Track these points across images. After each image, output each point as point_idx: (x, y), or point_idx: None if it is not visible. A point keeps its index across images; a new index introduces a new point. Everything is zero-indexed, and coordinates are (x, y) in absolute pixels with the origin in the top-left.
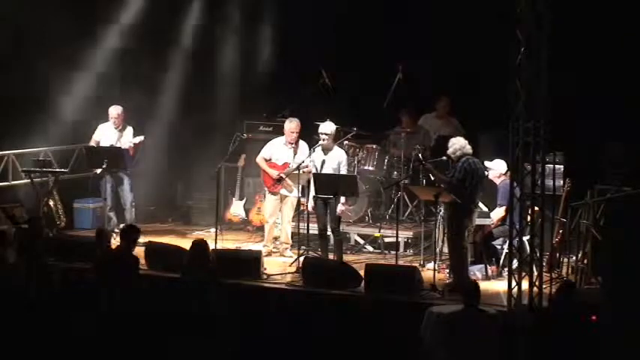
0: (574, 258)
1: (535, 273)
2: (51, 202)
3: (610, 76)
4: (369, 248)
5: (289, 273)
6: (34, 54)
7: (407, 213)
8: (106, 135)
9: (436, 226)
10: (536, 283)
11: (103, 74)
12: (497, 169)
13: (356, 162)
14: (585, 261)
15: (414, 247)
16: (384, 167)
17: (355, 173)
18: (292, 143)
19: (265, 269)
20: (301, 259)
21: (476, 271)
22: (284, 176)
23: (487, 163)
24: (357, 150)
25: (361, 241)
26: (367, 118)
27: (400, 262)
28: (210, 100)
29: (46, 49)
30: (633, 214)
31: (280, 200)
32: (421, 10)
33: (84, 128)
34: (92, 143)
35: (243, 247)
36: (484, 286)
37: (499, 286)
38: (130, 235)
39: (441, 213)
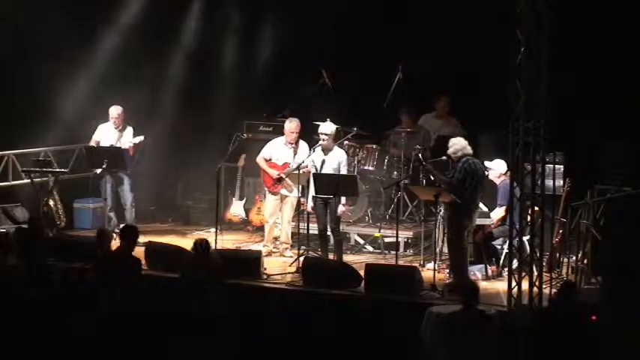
0: (574, 258)
1: (535, 273)
2: (51, 202)
3: (610, 76)
4: (369, 248)
5: (289, 273)
6: (34, 54)
7: (407, 213)
8: (106, 135)
9: (436, 226)
10: (536, 283)
11: (103, 74)
12: (497, 169)
13: (356, 162)
14: (585, 261)
15: (414, 247)
16: (384, 167)
17: (355, 173)
18: (292, 143)
19: (265, 269)
20: (301, 259)
21: (476, 271)
22: (284, 176)
23: (487, 163)
24: (357, 150)
25: (361, 241)
26: (367, 118)
27: (400, 262)
28: (210, 100)
29: (46, 49)
30: (633, 214)
31: (280, 200)
32: (421, 10)
33: (84, 128)
34: (92, 143)
35: (243, 247)
36: (484, 286)
37: (499, 286)
38: (130, 235)
39: (441, 213)
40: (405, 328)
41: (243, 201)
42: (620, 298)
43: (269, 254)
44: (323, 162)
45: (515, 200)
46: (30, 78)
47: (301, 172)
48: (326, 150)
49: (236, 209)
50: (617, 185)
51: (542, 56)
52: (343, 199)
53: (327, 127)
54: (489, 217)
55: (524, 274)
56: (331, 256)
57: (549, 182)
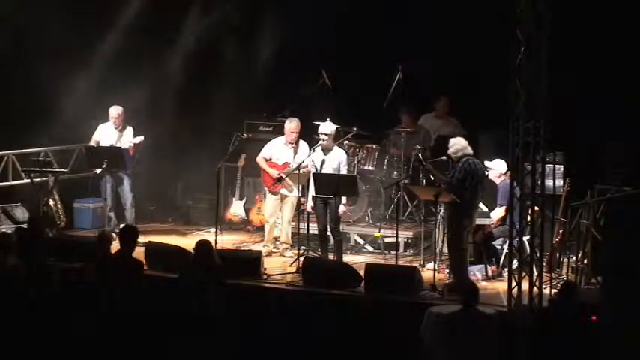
0: (574, 258)
1: (535, 273)
2: (51, 202)
3: (610, 76)
4: (369, 248)
5: (289, 273)
6: (34, 54)
7: (407, 213)
8: (106, 135)
9: (436, 226)
10: (536, 283)
11: (103, 74)
12: (497, 169)
13: (356, 162)
14: (585, 261)
15: (414, 247)
16: (384, 167)
17: (355, 173)
18: (292, 143)
19: (265, 269)
20: (301, 259)
21: (476, 271)
22: (284, 176)
23: (487, 163)
24: (357, 150)
25: (361, 241)
26: (367, 118)
27: (400, 262)
28: (210, 100)
29: (46, 49)
30: (633, 214)
31: (280, 200)
32: (421, 10)
33: (84, 128)
34: (92, 143)
35: (243, 247)
36: (484, 286)
37: (499, 286)
38: (130, 236)
39: (441, 213)
40: (405, 328)
41: (243, 201)
42: (620, 298)
43: (269, 254)
44: (323, 162)
45: (515, 200)
46: (30, 78)
47: (301, 172)
48: (326, 150)
49: (236, 209)
50: (617, 185)
51: (542, 56)
52: (344, 199)
53: (327, 127)
54: (489, 217)
55: (524, 274)
56: (331, 256)
57: (549, 182)
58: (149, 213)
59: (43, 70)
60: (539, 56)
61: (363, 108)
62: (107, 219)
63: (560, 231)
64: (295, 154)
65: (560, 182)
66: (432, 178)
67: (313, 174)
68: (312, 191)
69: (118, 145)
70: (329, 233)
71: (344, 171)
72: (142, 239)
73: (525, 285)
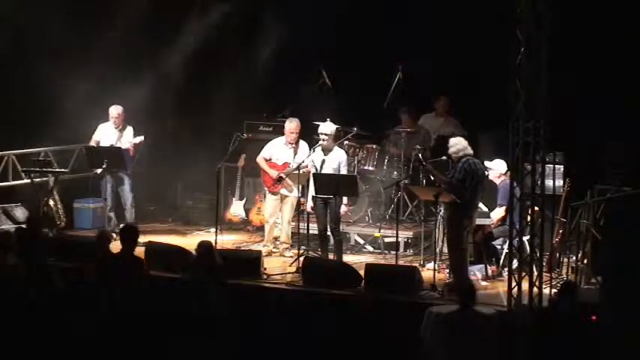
0: (574, 258)
1: (535, 273)
2: (51, 202)
3: (610, 76)
4: (369, 248)
5: (289, 273)
6: (34, 54)
7: (407, 213)
8: (106, 135)
9: (436, 226)
10: (536, 283)
11: (103, 74)
12: (497, 169)
13: (356, 162)
14: (585, 261)
15: (414, 247)
16: (384, 167)
17: (355, 173)
18: (292, 143)
19: (265, 269)
20: (301, 259)
21: (476, 271)
22: (284, 176)
23: (487, 163)
24: (357, 150)
25: (361, 241)
26: (367, 118)
27: (400, 262)
28: (210, 100)
29: (46, 49)
30: (633, 214)
31: (280, 200)
32: (421, 10)
33: (84, 128)
34: (92, 143)
35: (243, 247)
36: (484, 286)
37: (499, 286)
38: (130, 235)
39: (441, 213)
40: (405, 328)
41: (243, 201)
42: (620, 298)
43: (269, 254)
44: (323, 162)
45: (515, 200)
46: (30, 78)
47: (301, 172)
48: (326, 150)
49: (236, 209)
50: (617, 185)
51: (542, 56)
52: (345, 199)
53: (327, 127)
54: (489, 217)
55: (524, 274)
56: (331, 256)
57: (549, 182)
58: (149, 213)
59: (43, 70)
60: (539, 56)
61: (363, 108)
62: (107, 219)
63: (560, 231)
64: (295, 154)
65: (560, 182)
66: (432, 178)
67: (313, 174)
68: (312, 191)
69: (118, 145)
70: (329, 233)
71: (344, 171)
72: (142, 239)
73: (525, 285)
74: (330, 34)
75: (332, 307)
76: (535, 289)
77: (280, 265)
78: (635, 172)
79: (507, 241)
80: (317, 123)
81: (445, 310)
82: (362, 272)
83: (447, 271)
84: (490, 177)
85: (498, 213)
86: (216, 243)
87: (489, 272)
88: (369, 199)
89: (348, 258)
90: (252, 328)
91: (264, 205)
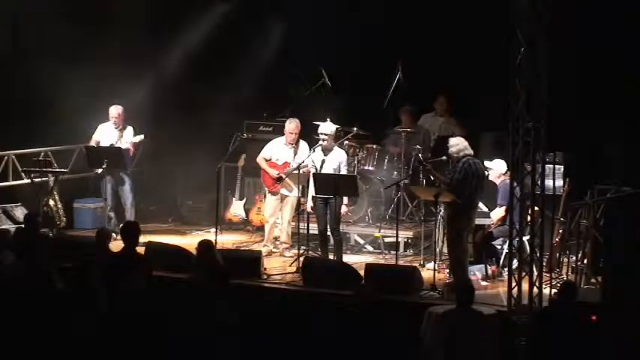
0: (574, 258)
1: (535, 273)
2: (51, 202)
3: (610, 76)
4: (369, 248)
5: (289, 273)
6: (34, 53)
7: (407, 213)
8: (106, 135)
9: (436, 226)
10: (536, 283)
11: (102, 74)
12: (497, 169)
13: (356, 162)
14: (585, 261)
15: (414, 247)
16: (384, 167)
17: (355, 173)
18: (292, 143)
19: (265, 269)
20: (301, 259)
21: (476, 271)
22: (284, 176)
23: (487, 163)
24: (357, 150)
25: (361, 241)
26: (367, 118)
27: (400, 262)
28: (210, 100)
29: (46, 48)
30: (633, 214)
31: (280, 200)
32: (421, 10)
33: (84, 128)
34: (92, 143)
35: (243, 247)
36: (484, 286)
37: (499, 286)
38: (132, 233)
39: (441, 213)
40: (405, 328)
41: (243, 201)
42: (620, 298)
43: (269, 254)
44: (323, 162)
45: (515, 200)
46: (30, 78)
47: (301, 172)
48: (326, 150)
49: (236, 209)
50: (617, 185)
51: (542, 56)
52: (345, 199)
53: (327, 127)
54: (489, 217)
55: (524, 274)
56: (331, 256)
57: (549, 182)
58: (149, 213)
59: (43, 70)
60: (539, 56)
61: (363, 108)
62: (107, 219)
63: (560, 231)
64: (295, 154)
65: (560, 182)
66: (432, 178)
67: (313, 174)
68: (312, 191)
69: (118, 145)
70: (329, 233)
71: (344, 171)
72: (142, 239)
73: (525, 285)
74: (330, 34)
75: (332, 307)
76: (535, 289)
77: (280, 265)
78: (635, 172)
79: (507, 241)
80: (317, 123)
81: (445, 310)
82: (362, 272)
83: (447, 271)
84: (490, 177)
85: (498, 213)
86: (216, 243)
87: (489, 272)
88: (369, 199)
89: (348, 258)
90: (252, 328)
91: (264, 205)
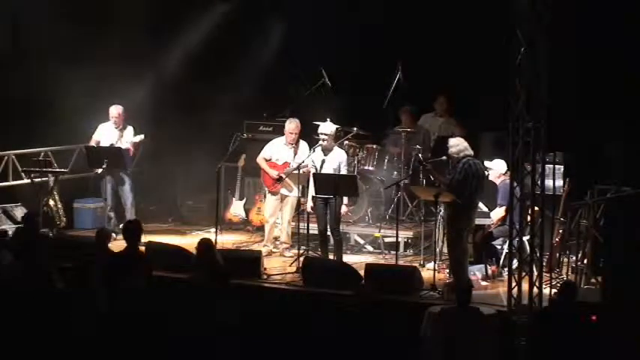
0: (574, 258)
1: (535, 273)
2: (51, 202)
3: (610, 76)
4: (369, 248)
5: (289, 273)
6: (34, 53)
7: (407, 213)
8: (106, 135)
9: (436, 226)
10: (536, 283)
11: (102, 74)
12: (497, 169)
13: (356, 162)
14: (585, 261)
15: (414, 247)
16: (384, 167)
17: (355, 173)
18: (292, 144)
19: (265, 269)
20: (301, 259)
21: (476, 271)
22: (284, 176)
23: (487, 163)
24: (357, 150)
25: (361, 241)
26: (367, 118)
27: (400, 262)
28: (210, 100)
29: (46, 48)
30: (633, 214)
31: (280, 200)
32: (421, 10)
33: (84, 128)
34: (92, 143)
35: (243, 247)
36: (484, 286)
37: (499, 286)
38: (134, 231)
39: (441, 213)
40: (405, 328)
41: (243, 201)
42: (620, 298)
43: (269, 254)
44: (323, 162)
45: (515, 200)
46: (30, 78)
47: (301, 172)
48: (326, 150)
49: (236, 209)
50: (617, 185)
51: (542, 56)
52: (346, 199)
53: (327, 127)
54: (489, 217)
55: (524, 274)
56: (331, 256)
57: (549, 182)
58: (149, 213)
59: (43, 70)
60: (539, 56)
61: (363, 108)
62: (107, 219)
63: (560, 231)
64: (295, 154)
65: (560, 182)
66: (432, 179)
67: (313, 174)
68: (312, 191)
69: (118, 145)
70: (329, 233)
71: (344, 171)
72: (142, 239)
73: (525, 285)
74: (330, 34)
75: (332, 307)
76: (535, 289)
77: (280, 265)
78: (635, 172)
79: (507, 241)
80: (317, 123)
81: (445, 310)
82: (362, 272)
83: (447, 271)
84: (490, 177)
85: (498, 213)
86: (216, 243)
87: (489, 272)
88: (369, 199)
89: (348, 258)
90: (252, 328)
91: (264, 205)
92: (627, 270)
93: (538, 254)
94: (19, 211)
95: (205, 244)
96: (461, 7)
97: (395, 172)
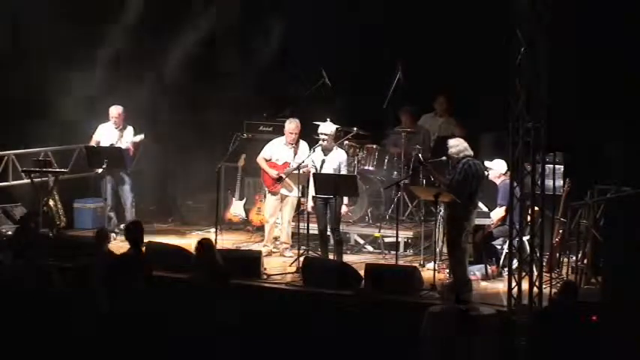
0: (574, 258)
1: (535, 273)
2: (51, 202)
3: (610, 76)
4: (369, 248)
5: (289, 273)
6: (34, 54)
7: (407, 213)
8: (106, 135)
9: (436, 226)
10: (536, 283)
11: (103, 74)
12: (497, 169)
13: (356, 162)
14: (585, 261)
15: (414, 247)
16: (384, 167)
17: (355, 173)
18: (292, 143)
19: (265, 269)
20: (301, 259)
21: (476, 271)
22: (284, 176)
23: (487, 163)
24: (357, 150)
25: (361, 241)
26: (367, 118)
27: (400, 262)
28: (210, 100)
29: (46, 48)
30: (633, 214)
31: (280, 200)
32: (421, 10)
33: (84, 128)
34: (92, 143)
35: (243, 247)
36: (484, 286)
37: (499, 286)
38: (135, 233)
39: (441, 213)
40: (405, 328)
41: (243, 201)
42: (620, 298)
43: (269, 254)
44: (323, 162)
45: (515, 200)
46: (30, 78)
47: (301, 172)
48: (326, 150)
49: (236, 209)
50: (617, 185)
51: (542, 56)
52: (346, 199)
53: (327, 128)
54: (489, 217)
55: (524, 274)
56: (331, 256)
57: (549, 182)
58: (149, 213)
59: (43, 70)
60: (539, 56)
61: (363, 108)
62: (107, 219)
63: (560, 231)
64: (295, 154)
65: (560, 182)
66: (432, 179)
67: (313, 174)
68: (312, 191)
69: (118, 145)
70: (329, 233)
71: (344, 171)
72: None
73: (525, 285)
74: (330, 34)
75: (332, 307)
76: (535, 289)
77: (280, 265)
78: (635, 172)
79: (507, 241)
80: (317, 123)
81: (445, 310)
82: (362, 272)
83: (447, 271)
84: (490, 177)
85: (498, 213)
86: (216, 243)
87: (489, 272)
88: (369, 199)
89: (348, 258)
90: (252, 328)
91: (264, 205)
92: (627, 270)
93: (538, 254)
94: (19, 211)
95: (205, 244)
96: (461, 7)
97: (395, 172)
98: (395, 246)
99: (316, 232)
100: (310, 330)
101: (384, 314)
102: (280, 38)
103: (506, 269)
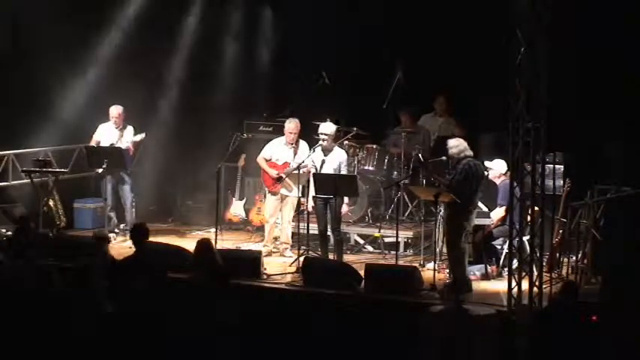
0: (574, 258)
1: (535, 273)
2: (51, 202)
3: (610, 76)
4: (369, 248)
5: (289, 273)
6: (34, 53)
7: (407, 213)
8: (106, 135)
9: (436, 226)
10: (536, 283)
11: (102, 74)
12: (497, 169)
13: (356, 162)
14: (585, 261)
15: (414, 247)
16: (384, 167)
17: (355, 173)
18: (292, 143)
19: (265, 269)
20: (301, 259)
21: (476, 271)
22: (284, 176)
23: (487, 163)
24: (357, 150)
25: (361, 241)
26: (367, 118)
27: (400, 262)
28: (210, 100)
29: (46, 48)
30: (633, 214)
31: (280, 200)
32: (421, 10)
33: (84, 128)
34: (92, 143)
35: (243, 247)
36: (484, 286)
37: (499, 286)
38: (139, 236)
39: (441, 213)
40: (405, 328)
41: (243, 201)
42: (620, 298)
43: (269, 254)
44: (323, 162)
45: (515, 200)
46: (30, 78)
47: (301, 172)
48: (326, 150)
49: (236, 209)
50: (617, 185)
51: (542, 56)
52: (346, 199)
53: (327, 128)
54: (489, 217)
55: (524, 274)
56: (331, 256)
57: (549, 182)
58: (149, 213)
59: (43, 70)
60: (539, 56)
61: (363, 108)
62: (107, 219)
63: (560, 231)
64: (295, 154)
65: (560, 182)
66: (432, 179)
67: (313, 174)
68: (312, 191)
69: (118, 145)
70: (329, 233)
71: (344, 171)
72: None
73: (525, 285)
74: (330, 34)
75: (332, 307)
76: (535, 289)
77: (280, 265)
78: (635, 172)
79: (507, 241)
80: (317, 123)
81: (444, 310)
82: (362, 272)
83: (447, 271)
84: (490, 177)
85: (498, 213)
86: (216, 243)
87: (489, 272)
88: (369, 199)
89: (348, 258)
90: (252, 328)
91: (264, 205)
92: (627, 270)
93: (538, 254)
94: (19, 211)
95: (205, 244)
96: (461, 8)
97: (395, 172)
98: (395, 246)
99: (316, 232)
100: (310, 330)
101: (384, 314)
102: (280, 38)
103: (506, 269)
